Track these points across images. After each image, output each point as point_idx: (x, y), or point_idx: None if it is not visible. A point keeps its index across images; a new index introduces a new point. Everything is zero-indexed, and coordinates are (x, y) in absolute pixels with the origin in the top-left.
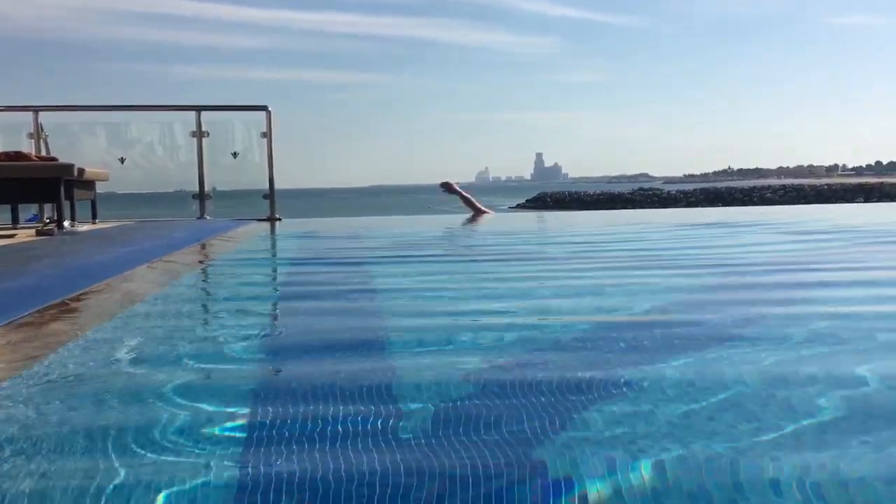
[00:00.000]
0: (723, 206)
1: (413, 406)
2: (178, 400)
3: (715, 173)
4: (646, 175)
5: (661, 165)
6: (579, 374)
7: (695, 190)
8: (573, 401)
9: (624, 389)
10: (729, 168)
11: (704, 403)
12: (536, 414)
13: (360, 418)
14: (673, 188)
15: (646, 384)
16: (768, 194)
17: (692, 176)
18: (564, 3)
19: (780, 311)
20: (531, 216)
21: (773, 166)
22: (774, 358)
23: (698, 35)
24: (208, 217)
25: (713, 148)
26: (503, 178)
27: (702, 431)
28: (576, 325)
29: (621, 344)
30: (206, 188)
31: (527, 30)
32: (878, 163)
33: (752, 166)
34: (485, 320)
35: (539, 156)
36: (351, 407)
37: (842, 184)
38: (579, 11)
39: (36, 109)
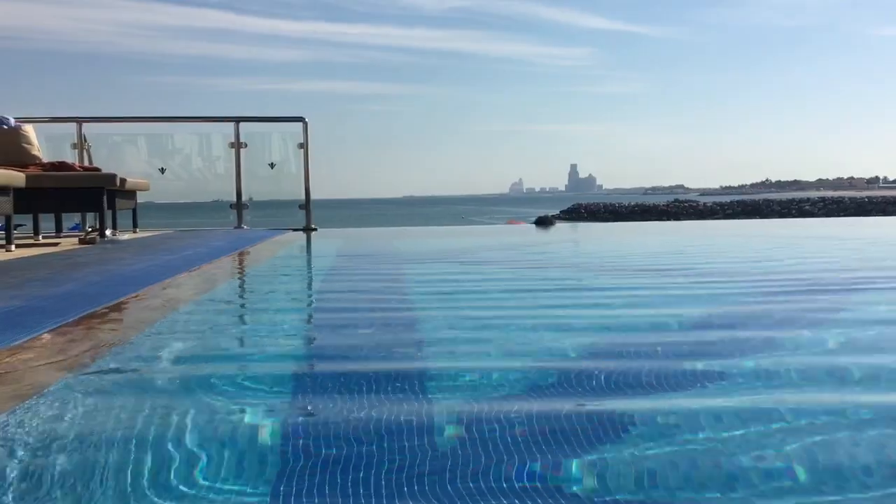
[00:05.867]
0: (760, 218)
1: (454, 412)
2: (222, 400)
3: (752, 185)
4: (682, 187)
5: (698, 177)
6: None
7: (732, 202)
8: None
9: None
10: (767, 180)
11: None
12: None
13: (399, 435)
14: (709, 200)
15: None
16: (807, 206)
17: (729, 188)
18: (599, 14)
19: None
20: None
21: (812, 178)
22: None
23: (736, 46)
24: (245, 227)
25: (751, 160)
26: (537, 190)
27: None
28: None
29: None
30: (243, 198)
31: (561, 41)
32: None
33: (790, 178)
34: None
35: (574, 167)
36: (392, 419)
37: (883, 196)
38: (614, 23)
39: (80, 121)
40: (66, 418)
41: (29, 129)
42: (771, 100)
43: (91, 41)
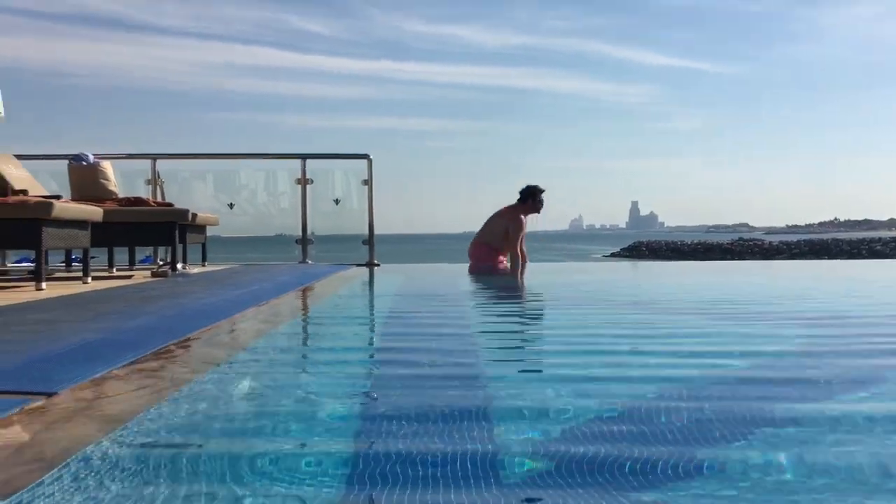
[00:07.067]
0: (828, 258)
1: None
2: (302, 437)
3: (820, 224)
4: (746, 225)
5: (763, 215)
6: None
7: (798, 241)
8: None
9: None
10: (835, 219)
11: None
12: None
13: (462, 471)
14: (775, 239)
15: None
16: (878, 246)
17: (795, 226)
18: (663, 51)
19: None
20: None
21: (884, 217)
22: None
23: (804, 82)
24: (310, 261)
25: (818, 198)
26: (597, 226)
27: None
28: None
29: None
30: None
31: (624, 78)
32: None
33: (860, 217)
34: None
35: (635, 204)
36: (454, 454)
37: None
38: (678, 59)
39: (154, 157)
40: (151, 450)
41: (107, 166)
42: (840, 137)
43: (167, 80)
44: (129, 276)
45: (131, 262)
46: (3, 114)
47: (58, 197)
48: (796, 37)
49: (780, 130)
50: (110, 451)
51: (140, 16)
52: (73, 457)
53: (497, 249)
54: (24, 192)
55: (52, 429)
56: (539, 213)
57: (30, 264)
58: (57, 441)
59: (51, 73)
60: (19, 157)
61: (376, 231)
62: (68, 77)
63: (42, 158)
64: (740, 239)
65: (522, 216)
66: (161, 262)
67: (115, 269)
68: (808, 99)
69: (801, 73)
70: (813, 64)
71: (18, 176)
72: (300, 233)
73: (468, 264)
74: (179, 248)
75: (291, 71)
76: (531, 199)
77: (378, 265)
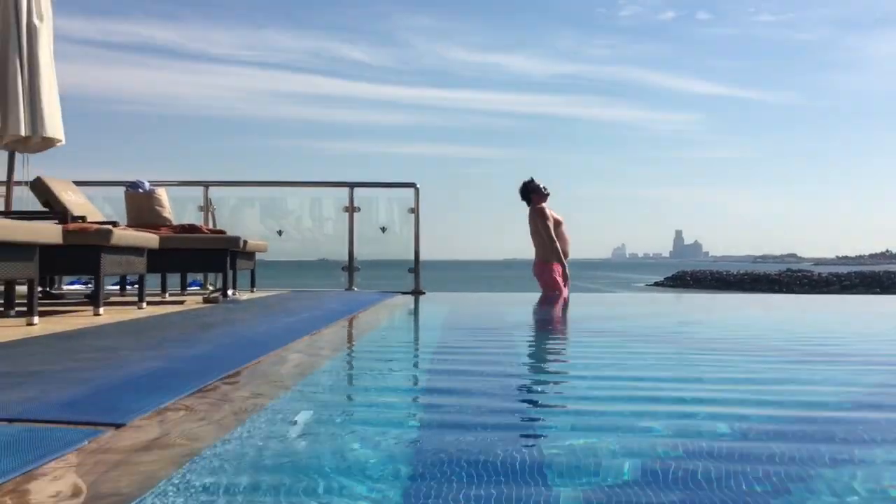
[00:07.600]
0: (881, 291)
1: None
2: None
3: (871, 256)
4: (794, 255)
5: (811, 246)
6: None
7: (849, 273)
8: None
9: None
10: (887, 251)
11: None
12: None
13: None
14: (824, 270)
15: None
16: None
17: (846, 258)
18: (709, 79)
19: None
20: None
21: None
22: None
23: (852, 111)
24: (356, 289)
25: (869, 229)
26: (640, 255)
27: None
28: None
29: None
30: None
31: (669, 106)
32: None
33: None
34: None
35: (679, 233)
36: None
37: None
38: (724, 87)
39: (206, 185)
40: (224, 484)
41: (162, 193)
42: (892, 166)
43: (216, 106)
44: (182, 302)
45: (183, 287)
46: (63, 139)
47: (115, 223)
48: (845, 65)
49: (829, 159)
50: (183, 486)
51: (193, 44)
52: (150, 491)
53: (551, 262)
54: (83, 218)
55: (123, 462)
56: (549, 195)
57: (83, 287)
58: (130, 475)
59: (107, 100)
60: (78, 183)
61: (420, 257)
62: (123, 104)
63: (100, 185)
64: (788, 270)
65: (539, 207)
66: (211, 288)
67: (167, 294)
68: (859, 127)
69: (851, 102)
70: (863, 92)
71: (77, 202)
72: (344, 258)
73: (515, 293)
74: (230, 274)
75: (338, 98)
76: (532, 193)
77: (424, 293)
